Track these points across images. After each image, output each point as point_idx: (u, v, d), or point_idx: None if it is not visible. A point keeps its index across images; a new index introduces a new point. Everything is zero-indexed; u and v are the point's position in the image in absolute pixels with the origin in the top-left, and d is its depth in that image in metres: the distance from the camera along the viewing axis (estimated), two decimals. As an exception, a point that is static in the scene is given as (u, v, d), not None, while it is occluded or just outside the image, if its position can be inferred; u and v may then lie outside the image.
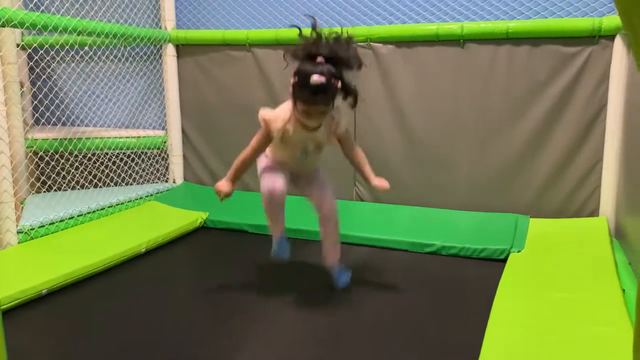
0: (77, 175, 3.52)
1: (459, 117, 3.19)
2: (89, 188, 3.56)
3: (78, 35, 3.09)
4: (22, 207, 3.10)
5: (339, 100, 1.92)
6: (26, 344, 1.90)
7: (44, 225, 2.86)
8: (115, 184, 3.73)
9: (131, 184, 3.75)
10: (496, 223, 2.96)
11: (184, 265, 2.77)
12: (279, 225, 1.98)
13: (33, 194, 3.49)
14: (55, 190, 3.47)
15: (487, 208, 3.14)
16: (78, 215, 3.07)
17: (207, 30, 3.74)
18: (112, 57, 3.89)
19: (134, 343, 1.92)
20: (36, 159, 3.33)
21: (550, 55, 2.97)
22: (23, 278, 2.22)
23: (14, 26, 2.67)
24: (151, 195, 3.61)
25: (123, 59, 3.86)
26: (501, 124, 3.12)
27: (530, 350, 1.67)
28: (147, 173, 3.82)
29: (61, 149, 3.36)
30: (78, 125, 3.98)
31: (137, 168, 3.74)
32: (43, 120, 3.41)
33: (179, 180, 3.92)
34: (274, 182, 1.95)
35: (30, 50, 3.30)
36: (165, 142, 3.84)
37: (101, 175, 3.65)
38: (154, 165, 3.87)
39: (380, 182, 2.02)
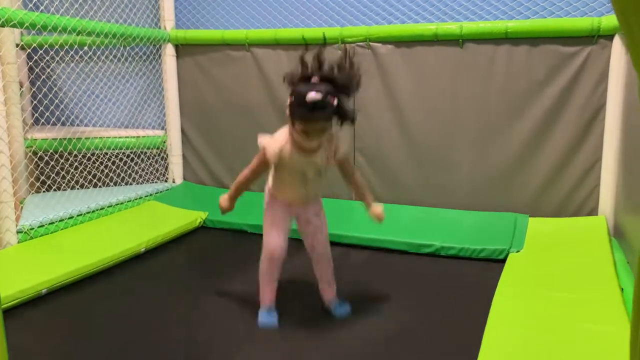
0: (77, 175, 3.52)
1: (458, 117, 3.19)
2: (88, 188, 3.56)
3: (77, 35, 3.09)
4: (22, 207, 3.10)
5: (336, 126, 1.89)
6: (26, 343, 1.91)
7: (43, 225, 2.86)
8: (115, 184, 3.73)
9: (131, 184, 3.75)
10: (495, 223, 2.96)
11: (184, 265, 2.77)
12: (271, 289, 1.96)
13: (33, 193, 3.49)
14: (54, 190, 3.47)
15: (487, 207, 3.14)
16: (77, 215, 3.07)
17: (207, 30, 3.75)
18: (111, 57, 3.89)
19: (133, 343, 1.92)
20: (36, 159, 3.33)
21: (549, 55, 2.97)
22: (23, 278, 2.23)
23: (14, 26, 2.67)
24: (151, 195, 3.61)
25: (122, 59, 3.86)
26: (500, 123, 3.12)
27: (530, 350, 1.67)
28: (147, 173, 3.83)
29: (61, 149, 3.36)
30: (77, 125, 3.97)
31: (136, 168, 3.74)
32: (42, 120, 3.41)
33: (179, 180, 3.92)
34: (277, 243, 1.95)
35: (29, 50, 3.30)
36: (164, 142, 3.85)
37: (101, 175, 3.65)
38: (154, 165, 3.87)
39: (377, 212, 2.02)
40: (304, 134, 1.79)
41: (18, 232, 2.73)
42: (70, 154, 3.49)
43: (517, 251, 2.56)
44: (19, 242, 2.70)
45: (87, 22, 3.10)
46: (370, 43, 3.28)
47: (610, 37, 2.86)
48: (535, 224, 2.90)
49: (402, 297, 2.27)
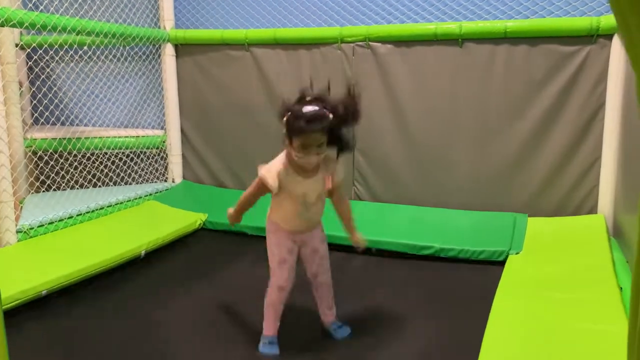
0: (76, 175, 3.52)
1: (457, 116, 3.19)
2: (88, 187, 3.56)
3: (77, 34, 3.09)
4: (22, 207, 3.10)
5: (333, 152, 1.88)
6: (27, 343, 1.91)
7: (43, 225, 2.86)
8: (115, 184, 3.73)
9: (130, 184, 3.75)
10: (494, 223, 2.96)
11: (184, 267, 2.76)
12: (276, 319, 1.95)
13: (32, 193, 3.49)
14: (54, 190, 3.47)
15: (486, 207, 3.14)
16: (77, 215, 3.07)
17: (206, 30, 3.75)
18: (111, 56, 3.89)
19: (133, 344, 1.92)
20: (35, 159, 3.33)
21: (549, 54, 2.97)
22: (22, 278, 2.22)
23: (13, 26, 2.67)
24: (150, 194, 3.61)
25: (122, 59, 3.86)
26: (499, 122, 3.13)
27: (530, 350, 1.67)
28: (146, 172, 3.83)
29: (60, 149, 3.36)
30: (77, 124, 3.97)
31: (136, 167, 3.74)
32: (42, 120, 3.41)
33: (178, 180, 3.92)
34: (286, 278, 1.93)
35: (29, 50, 3.30)
36: (164, 142, 3.85)
37: (100, 175, 3.65)
38: (153, 165, 3.87)
39: (359, 239, 2.01)
40: (303, 149, 1.76)
41: (18, 231, 2.73)
42: (70, 153, 3.49)
43: (517, 253, 2.56)
44: (18, 242, 2.70)
45: (87, 21, 3.10)
46: (370, 43, 3.28)
47: (609, 36, 2.86)
48: (534, 224, 2.90)
49: (402, 297, 2.27)
